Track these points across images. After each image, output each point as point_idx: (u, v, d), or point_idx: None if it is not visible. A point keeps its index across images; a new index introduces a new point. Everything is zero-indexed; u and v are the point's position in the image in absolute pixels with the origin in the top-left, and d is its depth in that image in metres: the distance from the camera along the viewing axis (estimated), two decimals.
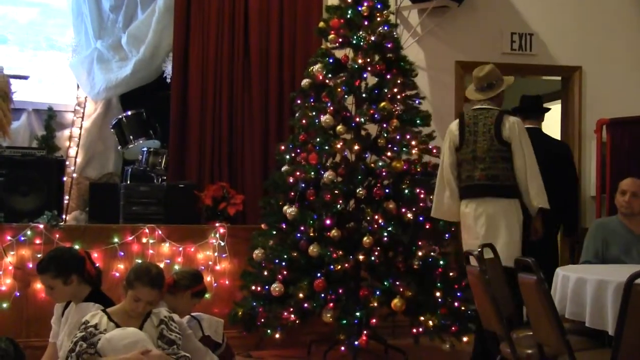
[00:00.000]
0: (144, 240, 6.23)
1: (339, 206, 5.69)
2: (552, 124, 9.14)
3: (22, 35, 7.82)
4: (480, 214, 5.27)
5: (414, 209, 5.72)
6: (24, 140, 7.36)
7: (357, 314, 5.46)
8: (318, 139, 5.89)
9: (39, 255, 5.59)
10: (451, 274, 5.79)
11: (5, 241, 5.88)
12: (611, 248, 5.26)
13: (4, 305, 5.82)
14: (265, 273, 5.84)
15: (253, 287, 5.87)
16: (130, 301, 3.97)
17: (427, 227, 5.77)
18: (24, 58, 7.76)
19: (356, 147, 5.84)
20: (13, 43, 7.79)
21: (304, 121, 6.04)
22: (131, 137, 7.18)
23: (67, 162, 7.26)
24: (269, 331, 5.76)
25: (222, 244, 6.41)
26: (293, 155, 6.07)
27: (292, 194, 5.91)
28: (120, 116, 7.27)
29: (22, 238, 5.91)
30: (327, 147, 5.84)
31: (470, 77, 8.02)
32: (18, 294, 5.87)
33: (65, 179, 6.90)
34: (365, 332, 5.45)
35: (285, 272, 5.70)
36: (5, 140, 6.41)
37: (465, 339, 5.77)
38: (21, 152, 6.65)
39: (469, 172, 5.38)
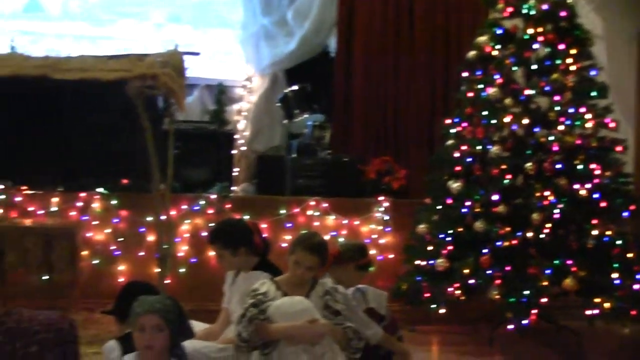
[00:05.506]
0: (310, 212, 6.36)
1: (506, 181, 5.56)
2: None
3: (195, 14, 8.13)
4: None
5: (588, 186, 5.48)
6: (196, 114, 7.66)
7: (525, 292, 5.31)
8: (485, 113, 5.78)
9: (211, 225, 5.81)
10: (629, 255, 5.51)
11: (181, 210, 6.18)
12: None
13: (181, 270, 6.14)
14: (429, 248, 5.79)
15: (417, 262, 5.84)
16: (291, 265, 4.02)
17: (603, 205, 5.51)
18: (196, 35, 8.06)
19: (525, 121, 5.69)
20: (186, 21, 8.12)
21: (470, 94, 5.95)
22: (296, 111, 7.30)
23: (236, 136, 7.50)
24: (433, 306, 5.73)
25: (386, 217, 6.42)
26: (459, 129, 5.98)
27: (458, 168, 5.82)
28: (286, 91, 7.42)
29: (196, 208, 6.20)
30: (494, 121, 5.72)
31: None
32: (193, 260, 6.18)
33: (234, 151, 7.14)
34: (534, 311, 5.30)
35: (450, 247, 5.64)
36: (181, 114, 6.69)
37: None
38: (194, 126, 6.95)
39: None
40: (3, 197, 6.01)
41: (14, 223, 5.83)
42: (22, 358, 2.05)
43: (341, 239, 6.22)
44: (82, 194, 6.16)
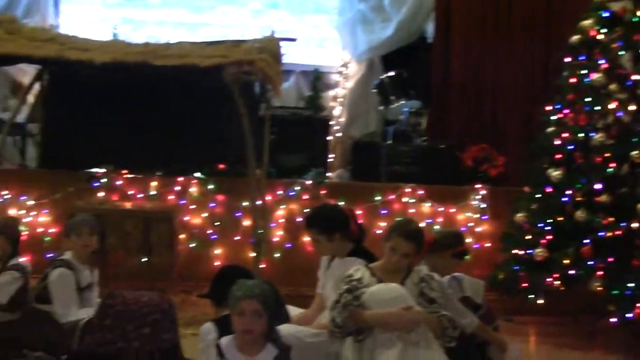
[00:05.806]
0: (405, 199, 6.31)
1: (610, 170, 5.40)
2: None
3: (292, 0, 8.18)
4: None
5: None
6: (292, 100, 7.71)
7: (630, 284, 5.15)
8: (588, 99, 5.62)
9: (306, 210, 5.84)
10: None
11: (277, 196, 6.23)
12: None
13: (276, 255, 6.20)
14: (528, 237, 5.67)
15: (515, 251, 5.72)
16: (387, 252, 3.99)
17: None
18: (293, 21, 8.11)
19: (632, 107, 5.48)
20: (283, 8, 8.17)
21: (572, 80, 5.79)
22: (392, 97, 7.24)
23: (332, 122, 7.51)
24: (531, 296, 5.62)
25: (483, 205, 6.31)
26: (560, 116, 5.83)
27: (559, 156, 5.67)
28: (382, 77, 7.37)
29: (291, 193, 6.25)
30: (598, 108, 5.55)
31: None
32: (288, 245, 6.23)
33: (330, 137, 7.15)
34: (639, 304, 5.12)
35: (549, 237, 5.51)
36: (277, 100, 6.75)
37: None
38: (290, 112, 7.00)
39: None
40: (105, 180, 6.20)
41: (115, 206, 6.01)
42: (136, 340, 2.05)
43: (437, 227, 6.16)
44: (180, 179, 6.29)
